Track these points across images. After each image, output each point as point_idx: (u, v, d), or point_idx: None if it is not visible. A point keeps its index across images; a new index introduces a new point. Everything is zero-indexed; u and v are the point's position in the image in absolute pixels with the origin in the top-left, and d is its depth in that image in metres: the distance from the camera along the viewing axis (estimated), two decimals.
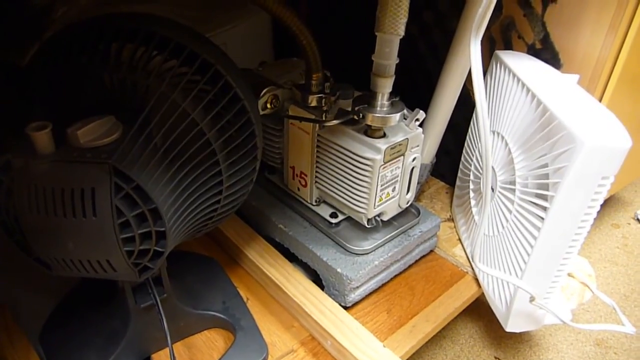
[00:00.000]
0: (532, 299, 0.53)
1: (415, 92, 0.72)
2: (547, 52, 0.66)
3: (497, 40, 0.71)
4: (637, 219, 0.99)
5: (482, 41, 0.72)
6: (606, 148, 0.46)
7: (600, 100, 0.68)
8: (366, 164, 0.56)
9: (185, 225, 0.46)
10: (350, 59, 0.75)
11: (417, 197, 0.80)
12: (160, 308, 0.48)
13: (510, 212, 0.57)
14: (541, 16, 0.65)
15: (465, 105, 0.73)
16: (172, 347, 0.47)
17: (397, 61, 0.53)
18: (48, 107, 0.44)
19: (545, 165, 0.51)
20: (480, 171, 0.65)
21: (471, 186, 0.68)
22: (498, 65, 0.62)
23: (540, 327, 0.60)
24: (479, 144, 0.47)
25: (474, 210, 0.67)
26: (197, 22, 0.83)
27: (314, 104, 0.60)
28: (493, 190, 0.61)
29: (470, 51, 0.38)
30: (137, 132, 0.40)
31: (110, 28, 0.43)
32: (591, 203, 0.49)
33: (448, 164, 0.82)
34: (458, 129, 0.75)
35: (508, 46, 0.70)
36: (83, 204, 0.37)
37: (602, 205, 1.02)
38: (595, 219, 0.51)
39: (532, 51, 0.67)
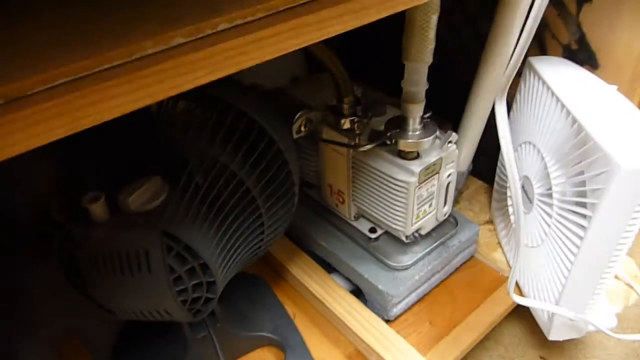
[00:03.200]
0: (571, 320, 0.53)
1: (450, 97, 0.71)
2: (583, 53, 0.64)
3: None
4: None
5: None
6: None
7: None
8: (401, 186, 0.57)
9: (233, 266, 0.49)
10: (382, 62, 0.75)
11: (456, 200, 0.81)
12: (216, 341, 0.52)
13: (549, 225, 0.57)
14: (576, 16, 0.63)
15: None
16: None
17: (427, 86, 0.53)
18: (97, 167, 0.47)
19: (583, 183, 0.51)
20: None
21: (508, 193, 0.68)
22: (531, 73, 0.61)
23: (583, 334, 0.61)
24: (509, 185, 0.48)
25: (511, 218, 0.67)
26: None
27: (347, 126, 0.61)
28: (531, 201, 0.61)
29: (496, 113, 0.38)
30: (182, 192, 0.43)
31: None
32: (629, 226, 0.49)
33: (486, 162, 0.82)
34: (495, 129, 0.75)
35: (542, 48, 0.68)
36: (139, 264, 0.41)
37: None
38: None
39: (568, 52, 0.66)
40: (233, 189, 0.45)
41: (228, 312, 0.58)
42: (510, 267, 0.69)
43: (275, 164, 0.48)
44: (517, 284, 0.67)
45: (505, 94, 0.38)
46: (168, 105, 0.46)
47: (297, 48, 0.30)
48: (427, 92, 0.55)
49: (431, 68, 0.53)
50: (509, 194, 0.69)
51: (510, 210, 0.68)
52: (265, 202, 0.48)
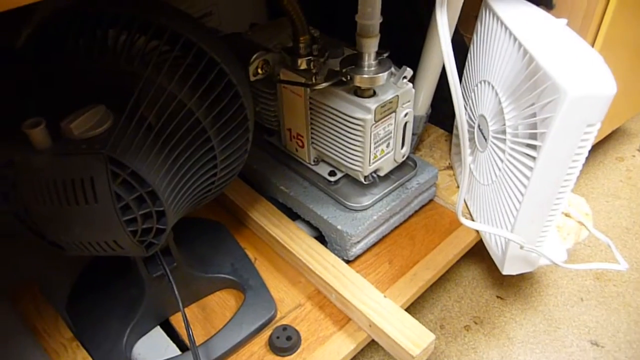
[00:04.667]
0: (521, 247, 0.55)
1: (410, 43, 0.71)
2: None
3: None
4: None
5: None
6: (590, 97, 0.46)
7: (596, 36, 0.67)
8: (358, 124, 0.57)
9: (185, 201, 0.48)
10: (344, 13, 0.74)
11: (417, 147, 0.81)
12: (171, 277, 0.52)
13: (502, 161, 0.58)
14: None
15: (459, 52, 0.72)
16: (184, 311, 0.51)
17: (381, 20, 0.53)
18: (41, 95, 0.45)
19: (534, 115, 0.52)
20: (473, 121, 0.66)
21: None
22: (487, 11, 0.62)
23: (535, 268, 0.62)
24: (458, 108, 0.48)
25: (469, 159, 0.68)
26: None
27: (303, 66, 0.61)
28: (486, 140, 0.62)
29: (437, 24, 0.38)
30: (128, 119, 0.42)
31: (92, 15, 0.44)
32: (578, 151, 0.50)
33: (446, 111, 0.82)
34: None
35: None
36: (84, 192, 0.40)
37: (606, 138, 1.02)
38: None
39: None
40: (182, 119, 0.44)
41: (186, 254, 0.57)
42: (469, 211, 0.71)
43: (227, 96, 0.47)
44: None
45: (445, 1, 0.37)
46: (126, 40, 0.45)
47: None
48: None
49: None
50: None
51: (468, 151, 0.69)
52: (217, 134, 0.47)
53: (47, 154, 0.39)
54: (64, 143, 0.40)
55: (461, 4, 0.62)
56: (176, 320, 0.59)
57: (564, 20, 0.55)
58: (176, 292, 0.52)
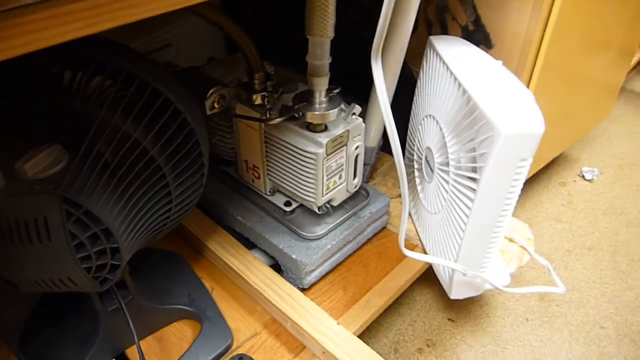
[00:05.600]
0: (464, 274, 0.58)
1: (362, 75, 0.74)
2: (479, 34, 0.69)
3: (434, 22, 0.74)
4: (582, 176, 1.06)
5: (419, 23, 0.75)
6: (521, 135, 0.50)
7: (532, 72, 0.72)
8: (310, 158, 0.60)
9: (140, 236, 0.49)
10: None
11: (371, 175, 0.84)
12: (126, 311, 0.52)
13: (447, 192, 0.62)
14: None
15: (409, 85, 0.76)
16: (139, 344, 0.52)
17: (330, 60, 0.56)
18: None
19: (474, 150, 0.55)
20: (421, 152, 0.69)
21: (415, 165, 0.73)
22: (431, 50, 0.66)
23: (481, 292, 0.66)
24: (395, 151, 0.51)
25: (418, 188, 0.71)
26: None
27: (258, 101, 0.63)
28: (432, 171, 0.66)
29: (373, 73, 0.41)
30: (83, 158, 0.43)
31: (50, 55, 0.45)
32: (513, 183, 0.53)
33: (399, 140, 0.86)
34: (404, 108, 0.79)
35: (444, 28, 0.73)
36: (38, 232, 0.41)
37: (550, 164, 1.08)
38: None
39: (466, 33, 0.71)
40: (137, 158, 0.46)
41: (142, 286, 0.58)
42: (420, 238, 0.74)
43: (181, 134, 0.49)
44: (424, 249, 0.72)
45: (379, 54, 0.41)
46: (81, 80, 0.46)
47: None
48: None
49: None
50: (416, 166, 0.73)
51: (417, 180, 0.72)
52: (171, 171, 0.49)
53: (0, 194, 0.40)
54: (17, 184, 0.41)
55: (405, 46, 0.66)
56: (132, 353, 0.59)
57: (500, 62, 0.59)
58: (131, 326, 0.52)
